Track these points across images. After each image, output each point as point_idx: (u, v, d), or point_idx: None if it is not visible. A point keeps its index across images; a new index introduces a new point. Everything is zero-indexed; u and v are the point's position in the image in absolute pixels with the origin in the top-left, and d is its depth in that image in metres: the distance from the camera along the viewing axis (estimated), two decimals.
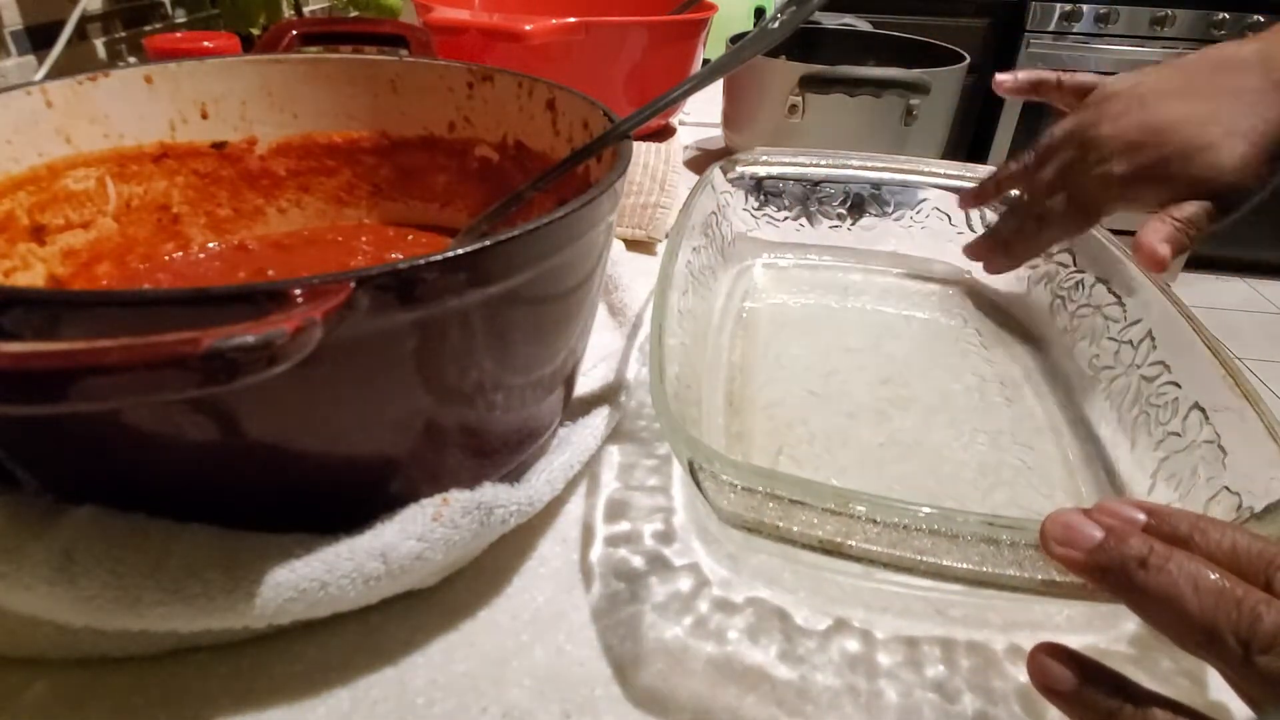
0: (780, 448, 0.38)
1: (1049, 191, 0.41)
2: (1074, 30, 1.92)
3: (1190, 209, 0.37)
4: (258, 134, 0.41)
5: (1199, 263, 2.17)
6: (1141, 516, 0.21)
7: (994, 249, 0.46)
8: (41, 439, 0.24)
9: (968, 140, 2.12)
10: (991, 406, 0.42)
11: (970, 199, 0.48)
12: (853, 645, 0.29)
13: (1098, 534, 0.20)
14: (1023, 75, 0.47)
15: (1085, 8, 1.89)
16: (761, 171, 0.54)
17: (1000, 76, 0.48)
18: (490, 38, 0.59)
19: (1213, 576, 0.19)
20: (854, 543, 0.24)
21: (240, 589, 0.23)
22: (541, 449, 0.34)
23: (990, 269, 0.47)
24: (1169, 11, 1.87)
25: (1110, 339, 0.41)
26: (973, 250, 0.48)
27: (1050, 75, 0.46)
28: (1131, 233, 0.38)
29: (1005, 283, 0.52)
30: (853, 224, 0.55)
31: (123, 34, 0.70)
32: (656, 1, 0.77)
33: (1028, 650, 0.22)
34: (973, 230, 0.54)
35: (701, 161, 0.77)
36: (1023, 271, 0.51)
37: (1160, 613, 0.19)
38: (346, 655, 0.27)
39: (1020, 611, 0.30)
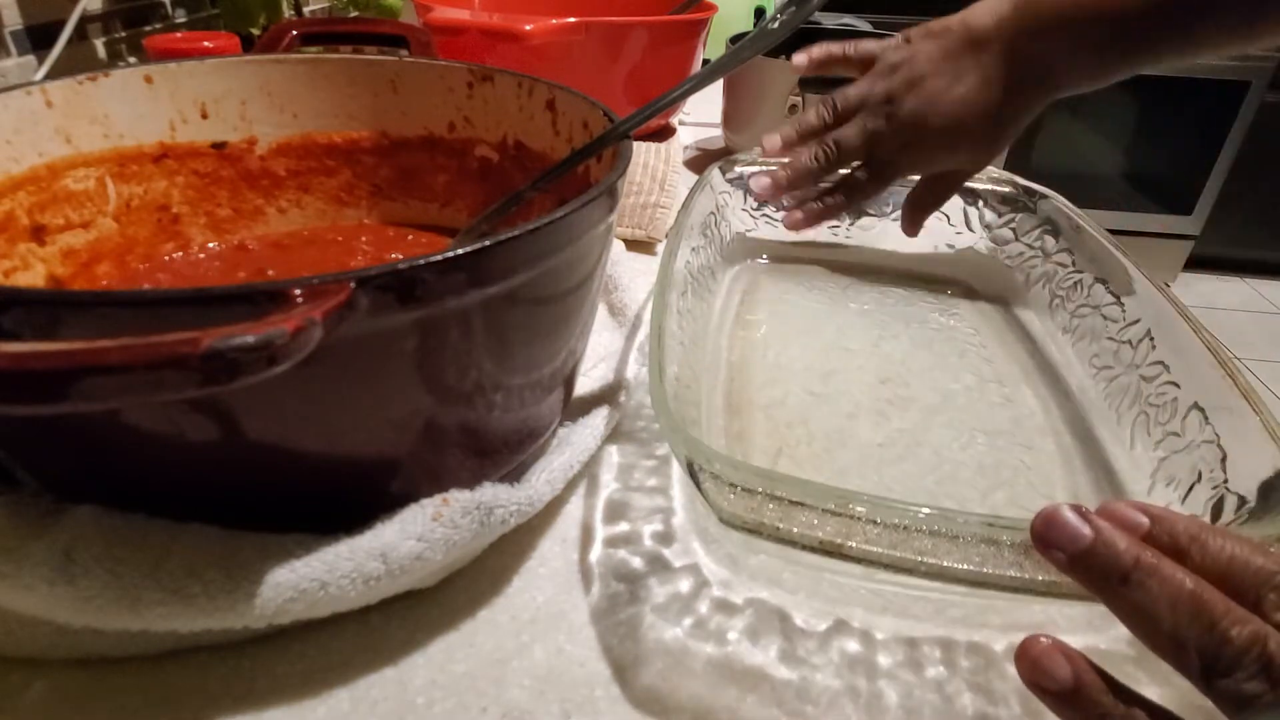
0: (780, 448, 0.38)
1: (857, 157, 0.45)
2: None
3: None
4: (258, 134, 0.41)
5: (1199, 263, 2.17)
6: (1145, 520, 0.21)
7: (812, 218, 0.48)
8: (41, 439, 0.24)
9: None
10: (991, 406, 0.42)
11: (778, 186, 0.47)
12: (852, 646, 0.29)
13: (1085, 533, 0.20)
14: (816, 52, 0.49)
15: None
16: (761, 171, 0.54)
17: (798, 58, 0.49)
18: (490, 38, 0.59)
19: (1191, 591, 0.19)
20: (854, 544, 0.24)
21: (240, 589, 0.23)
22: (541, 449, 0.34)
23: (799, 228, 0.48)
24: None
25: (1109, 339, 0.41)
26: (791, 222, 0.48)
27: (838, 49, 0.48)
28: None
29: (1004, 283, 0.52)
30: (852, 224, 0.56)
31: (123, 34, 0.70)
32: (656, 1, 0.77)
33: None
34: (970, 230, 0.54)
35: (701, 161, 0.77)
36: (1021, 271, 0.51)
37: (1136, 623, 0.19)
38: (346, 655, 0.27)
39: (1021, 612, 0.30)
